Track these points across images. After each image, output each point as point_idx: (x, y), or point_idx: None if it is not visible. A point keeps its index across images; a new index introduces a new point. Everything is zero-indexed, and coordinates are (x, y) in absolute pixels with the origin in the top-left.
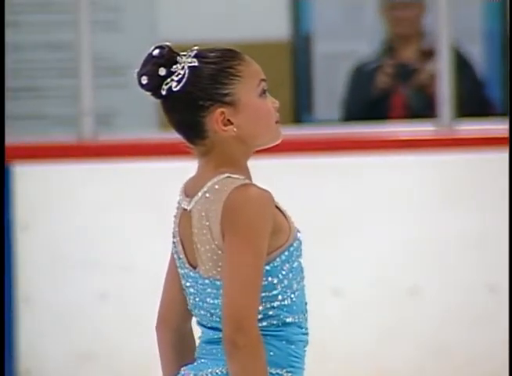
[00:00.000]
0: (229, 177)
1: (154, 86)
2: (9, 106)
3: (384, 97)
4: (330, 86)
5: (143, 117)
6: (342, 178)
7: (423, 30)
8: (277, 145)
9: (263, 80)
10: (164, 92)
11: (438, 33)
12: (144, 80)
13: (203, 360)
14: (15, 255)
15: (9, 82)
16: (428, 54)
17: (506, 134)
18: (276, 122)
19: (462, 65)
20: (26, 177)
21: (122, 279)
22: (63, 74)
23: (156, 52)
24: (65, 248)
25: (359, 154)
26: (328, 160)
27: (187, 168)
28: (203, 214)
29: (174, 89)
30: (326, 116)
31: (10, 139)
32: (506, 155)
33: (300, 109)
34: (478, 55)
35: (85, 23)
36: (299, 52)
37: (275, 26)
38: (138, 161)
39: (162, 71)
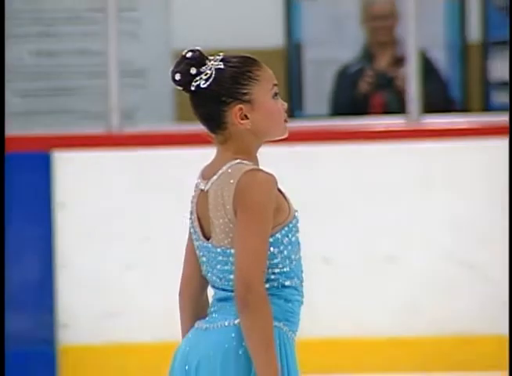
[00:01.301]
0: (241, 163)
1: (185, 82)
2: (48, 103)
3: (365, 97)
4: (318, 87)
5: (161, 112)
6: (329, 164)
7: (396, 39)
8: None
9: (275, 84)
10: (193, 88)
11: (408, 41)
12: (177, 76)
13: (214, 315)
14: (54, 229)
15: (48, 83)
16: (401, 59)
17: (465, 126)
18: (285, 121)
19: (428, 69)
20: (63, 163)
21: (144, 249)
22: (93, 76)
23: (189, 54)
24: (96, 223)
25: (344, 143)
26: (317, 149)
27: (198, 154)
28: (219, 193)
29: (202, 86)
30: (314, 111)
31: (50, 131)
32: (466, 144)
33: (292, 106)
34: (441, 60)
35: (112, 33)
36: (291, 58)
37: (271, 36)
38: (157, 149)
39: (193, 70)
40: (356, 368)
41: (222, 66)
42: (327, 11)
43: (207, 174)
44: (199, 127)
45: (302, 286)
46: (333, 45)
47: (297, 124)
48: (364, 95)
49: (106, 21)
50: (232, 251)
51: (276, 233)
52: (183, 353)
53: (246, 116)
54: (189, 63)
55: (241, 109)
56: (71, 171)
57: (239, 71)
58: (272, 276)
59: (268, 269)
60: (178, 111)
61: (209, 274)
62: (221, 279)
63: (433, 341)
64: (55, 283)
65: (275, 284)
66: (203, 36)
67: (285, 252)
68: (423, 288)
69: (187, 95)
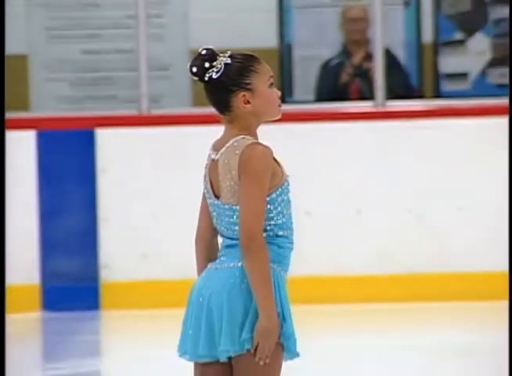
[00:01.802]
0: (244, 138)
1: (200, 74)
2: (93, 91)
3: (344, 86)
4: (305, 78)
5: (181, 98)
6: (314, 139)
7: (368, 38)
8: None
9: (271, 76)
10: (206, 78)
11: (375, 41)
12: (194, 69)
13: (222, 258)
14: (97, 189)
15: (93, 75)
16: (372, 55)
17: (421, 109)
18: (278, 105)
19: (392, 63)
20: (104, 138)
21: (168, 205)
22: (127, 69)
23: (203, 52)
24: (130, 184)
25: (325, 123)
26: (304, 127)
27: (210, 131)
28: (226, 162)
29: (214, 77)
30: (302, 98)
31: (93, 113)
32: (421, 123)
33: (284, 93)
34: (402, 56)
35: (142, 36)
36: (283, 56)
37: (267, 38)
38: (178, 127)
39: (206, 64)
40: (335, 300)
41: (230, 62)
42: (312, 18)
43: (217, 146)
44: (211, 110)
45: (292, 235)
46: (316, 45)
47: (288, 108)
48: (344, 84)
49: (138, 26)
50: (237, 207)
51: (272, 193)
52: (198, 288)
53: (248, 101)
54: (203, 59)
55: (244, 95)
56: (110, 145)
57: (243, 66)
58: (268, 228)
59: (265, 221)
60: (194, 97)
61: (218, 225)
62: (227, 229)
63: (397, 277)
64: (98, 232)
65: (271, 234)
66: (214, 38)
67: (279, 208)
68: (386, 236)
69: (202, 84)
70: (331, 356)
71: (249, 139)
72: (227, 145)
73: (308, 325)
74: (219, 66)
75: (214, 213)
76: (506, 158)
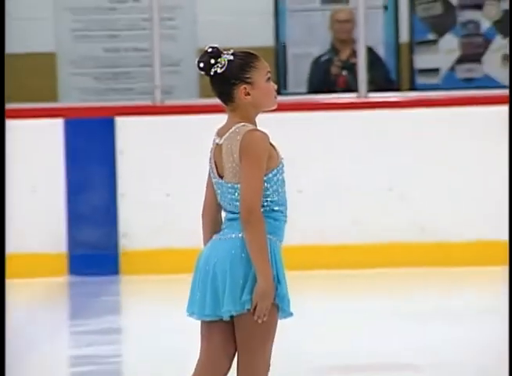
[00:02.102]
0: (245, 125)
1: (207, 69)
2: (113, 84)
3: (334, 79)
4: (297, 73)
5: (189, 90)
6: (305, 126)
7: (353, 38)
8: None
9: (269, 71)
10: (212, 73)
11: (359, 40)
12: (201, 64)
13: (225, 230)
14: (116, 169)
15: (113, 70)
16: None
17: (398, 100)
18: (274, 97)
19: (374, 59)
20: (122, 125)
21: (179, 183)
22: (143, 65)
23: (209, 49)
24: (145, 164)
25: (316, 112)
26: (297, 115)
27: (215, 119)
28: (229, 146)
29: (218, 72)
30: (295, 90)
31: (113, 103)
32: (399, 112)
33: (279, 86)
34: (383, 54)
35: (156, 36)
36: (279, 53)
37: (264, 38)
38: (187, 115)
39: (212, 61)
40: (321, 266)
41: (232, 58)
42: (304, 20)
43: (221, 132)
44: (216, 101)
45: (286, 210)
46: (307, 44)
47: (283, 99)
48: (333, 78)
49: (152, 27)
50: (238, 186)
51: (269, 173)
52: (205, 256)
53: (248, 93)
54: (209, 56)
55: (245, 88)
56: (127, 131)
57: (244, 62)
58: (265, 203)
59: (262, 198)
60: (202, 90)
61: (222, 202)
62: (230, 205)
63: (376, 246)
64: (117, 206)
65: (268, 209)
66: (219, 37)
67: (274, 187)
68: (369, 211)
69: (208, 78)
70: (331, 317)
71: (249, 127)
72: (230, 131)
73: (300, 289)
74: (223, 62)
75: (218, 191)
76: (470, 142)
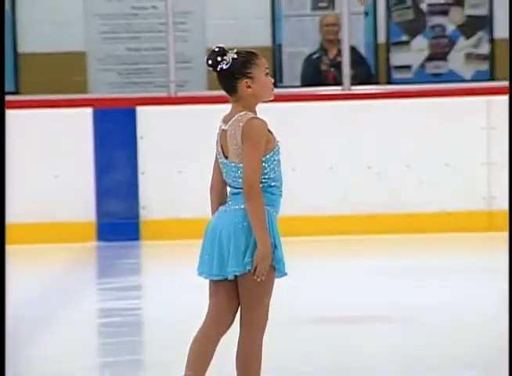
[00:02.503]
0: (246, 114)
1: (214, 65)
2: (134, 78)
3: (323, 74)
4: (291, 69)
5: (199, 84)
6: (298, 115)
7: (339, 39)
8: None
9: (267, 68)
10: (218, 69)
11: (343, 40)
12: (209, 62)
13: (230, 203)
14: (137, 151)
15: (134, 66)
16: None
17: (377, 92)
18: (272, 89)
19: (357, 57)
20: (142, 114)
21: (190, 162)
22: (160, 62)
23: (216, 49)
24: (161, 147)
25: (307, 102)
26: (291, 105)
27: (222, 108)
28: (233, 131)
29: (224, 68)
30: (289, 83)
31: (135, 95)
32: (377, 103)
33: (276, 80)
34: (364, 53)
35: (171, 38)
36: (275, 52)
37: (263, 39)
38: (197, 105)
39: (218, 58)
40: (314, 233)
41: (236, 57)
42: (297, 24)
43: (226, 119)
44: (222, 92)
45: (282, 186)
46: (300, 45)
47: (278, 91)
48: (323, 73)
49: (167, 30)
50: (241, 165)
51: (267, 154)
52: (212, 225)
53: (249, 86)
54: (216, 54)
55: (247, 82)
56: (147, 119)
57: (245, 60)
58: (264, 180)
59: (262, 176)
60: (210, 83)
61: (227, 179)
62: (234, 181)
63: (359, 216)
64: (138, 183)
65: (266, 185)
66: (224, 38)
67: (271, 166)
68: (352, 186)
69: (215, 73)
70: (320, 276)
71: (250, 115)
72: (233, 119)
73: (295, 253)
74: (228, 59)
75: (224, 169)
76: (439, 127)
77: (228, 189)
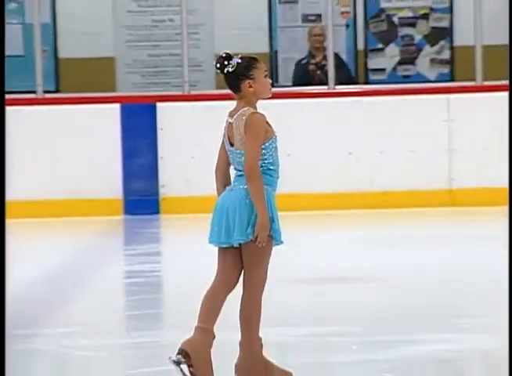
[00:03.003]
0: (248, 109)
1: (221, 68)
2: (154, 79)
3: (312, 75)
4: (285, 71)
5: (209, 84)
6: (291, 109)
7: (324, 46)
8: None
9: (266, 70)
10: (225, 71)
11: (328, 48)
12: (218, 65)
13: (235, 183)
14: (157, 140)
15: (154, 69)
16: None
17: (356, 90)
18: (270, 89)
19: (340, 62)
20: (162, 109)
21: (200, 149)
22: (176, 65)
23: (223, 54)
24: (177, 136)
25: (297, 99)
26: (285, 102)
27: (227, 105)
28: (237, 123)
29: (230, 71)
30: (284, 83)
31: (155, 93)
32: (357, 100)
33: (272, 80)
34: (345, 57)
35: (185, 45)
36: (272, 57)
37: (262, 46)
38: (207, 102)
39: (225, 62)
40: (306, 208)
41: (240, 61)
42: (290, 34)
43: (231, 114)
44: (228, 91)
45: (279, 168)
46: (292, 51)
47: (275, 90)
48: (311, 73)
49: (183, 39)
50: (243, 152)
51: (266, 142)
52: (220, 202)
53: (251, 86)
54: (223, 59)
55: (249, 82)
56: (165, 112)
57: (248, 64)
58: (264, 164)
59: (262, 160)
60: (218, 83)
61: (232, 163)
62: (238, 165)
63: (341, 194)
64: (158, 166)
65: (265, 168)
66: (229, 46)
67: (270, 153)
68: (336, 168)
69: (222, 75)
70: (311, 243)
71: (251, 110)
72: (238, 113)
73: (290, 225)
74: (233, 63)
75: (230, 156)
76: (408, 120)
77: (234, 172)
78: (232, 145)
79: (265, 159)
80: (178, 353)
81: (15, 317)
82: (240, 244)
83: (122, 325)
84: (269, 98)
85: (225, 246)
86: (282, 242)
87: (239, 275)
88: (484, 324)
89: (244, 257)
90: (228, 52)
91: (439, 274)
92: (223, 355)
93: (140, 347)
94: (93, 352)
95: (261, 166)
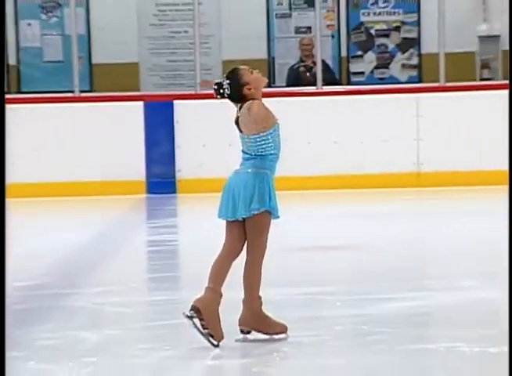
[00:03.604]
0: (251, 101)
1: (221, 95)
2: (170, 80)
3: (303, 77)
4: (281, 74)
5: None
6: (285, 106)
7: (313, 54)
8: (263, 94)
9: (248, 68)
10: (225, 95)
11: (316, 55)
12: (218, 96)
13: (241, 167)
14: (174, 131)
15: (171, 72)
16: (315, 62)
17: (341, 90)
18: (262, 76)
19: (326, 66)
20: (178, 105)
21: (211, 138)
22: (189, 69)
23: (215, 86)
24: (191, 128)
25: (291, 98)
26: (281, 99)
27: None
28: (244, 111)
29: (228, 93)
30: (279, 84)
31: (172, 91)
32: (342, 98)
33: (270, 81)
34: (331, 63)
35: (197, 52)
36: (270, 63)
37: (260, 53)
38: (216, 100)
39: (220, 90)
40: (304, 187)
41: (229, 82)
42: (285, 43)
43: (240, 108)
44: None
45: (279, 152)
46: (287, 58)
47: (272, 90)
48: (302, 75)
49: (195, 48)
50: (251, 136)
51: (270, 129)
52: (228, 183)
53: (249, 88)
54: (218, 88)
55: (247, 87)
56: (181, 108)
57: (235, 77)
58: (268, 148)
59: (266, 145)
60: None
61: (242, 146)
62: (245, 148)
63: (332, 176)
64: (175, 153)
65: (267, 153)
66: (234, 53)
67: (273, 138)
68: (323, 156)
69: (226, 99)
70: (310, 217)
71: (254, 101)
72: (243, 107)
73: (285, 202)
74: (226, 85)
75: (241, 140)
76: (384, 115)
77: (241, 154)
78: (241, 131)
79: (269, 143)
80: (191, 309)
81: (56, 279)
82: (244, 219)
83: (145, 285)
84: (267, 97)
85: (231, 220)
86: (278, 217)
87: (243, 245)
88: (444, 284)
89: (247, 229)
90: (217, 81)
91: (417, 243)
92: (229, 310)
93: (160, 304)
94: (121, 307)
95: (265, 149)
